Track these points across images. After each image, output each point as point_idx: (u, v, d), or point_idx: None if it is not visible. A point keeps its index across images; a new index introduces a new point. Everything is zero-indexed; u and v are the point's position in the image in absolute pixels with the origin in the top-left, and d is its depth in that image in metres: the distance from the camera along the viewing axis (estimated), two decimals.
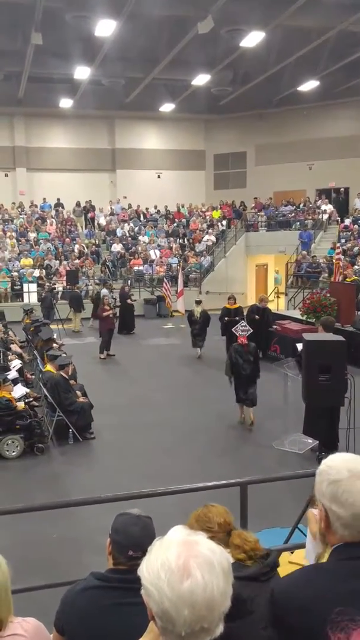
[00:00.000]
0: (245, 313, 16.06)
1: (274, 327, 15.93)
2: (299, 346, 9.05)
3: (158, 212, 32.66)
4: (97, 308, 18.85)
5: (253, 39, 21.60)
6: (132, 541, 2.37)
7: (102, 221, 30.90)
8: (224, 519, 2.76)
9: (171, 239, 29.66)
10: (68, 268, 25.42)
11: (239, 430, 10.46)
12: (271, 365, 12.81)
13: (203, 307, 16.82)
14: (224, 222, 30.62)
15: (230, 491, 5.02)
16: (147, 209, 32.69)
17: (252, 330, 10.83)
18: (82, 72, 25.47)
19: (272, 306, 21.48)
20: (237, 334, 10.59)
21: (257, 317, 15.60)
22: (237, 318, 15.21)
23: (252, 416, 10.68)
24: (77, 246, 28.10)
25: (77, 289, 22.00)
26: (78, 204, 31.25)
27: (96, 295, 21.27)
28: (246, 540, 2.63)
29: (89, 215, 31.18)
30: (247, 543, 2.62)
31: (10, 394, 9.82)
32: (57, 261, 26.53)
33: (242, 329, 10.61)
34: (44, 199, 31.38)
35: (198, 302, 17.11)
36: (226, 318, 15.51)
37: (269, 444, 9.55)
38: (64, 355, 11.63)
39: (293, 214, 29.62)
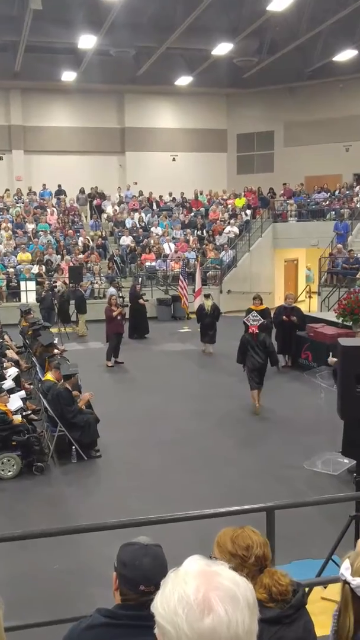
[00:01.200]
0: (272, 315, 16.02)
1: (305, 331, 15.88)
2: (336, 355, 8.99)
3: (173, 200, 32.71)
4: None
5: (282, 2, 21.57)
6: (143, 575, 2.36)
7: (110, 210, 31.00)
8: (264, 552, 2.67)
9: (188, 230, 29.68)
10: (71, 264, 25.53)
11: (264, 449, 10.44)
12: (302, 374, 12.79)
13: (213, 300, 18.71)
14: (248, 212, 30.59)
15: (254, 517, 5.01)
16: (160, 196, 32.76)
17: (263, 321, 12.47)
18: (87, 41, 25.60)
19: (303, 307, 21.35)
20: (248, 324, 12.13)
21: (284, 317, 15.62)
22: (294, 318, 15.29)
23: (257, 397, 12.28)
24: (81, 239, 28.22)
25: (80, 287, 22.08)
26: (82, 191, 31.43)
27: (66, 297, 21.40)
28: (278, 582, 2.58)
29: (95, 203, 31.32)
30: (278, 585, 2.56)
31: (5, 405, 9.89)
32: (59, 256, 26.67)
33: (253, 319, 12.18)
34: (44, 185, 31.59)
35: (207, 296, 18.82)
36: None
37: (299, 464, 9.52)
38: (68, 363, 11.69)
39: (327, 202, 29.50)
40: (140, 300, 21.08)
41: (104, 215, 30.94)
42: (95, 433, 10.32)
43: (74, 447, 9.96)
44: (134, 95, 33.12)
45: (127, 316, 19.15)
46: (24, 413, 10.26)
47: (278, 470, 9.48)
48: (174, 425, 11.71)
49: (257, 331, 12.04)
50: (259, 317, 12.40)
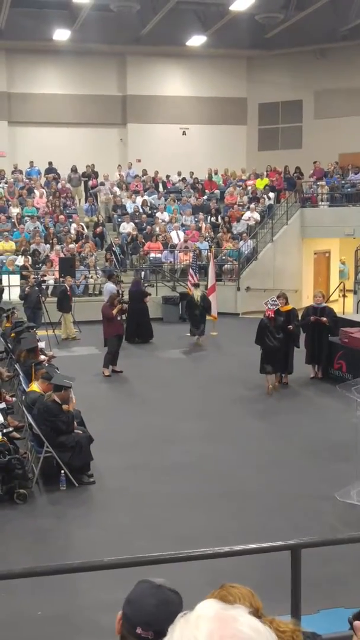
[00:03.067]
0: (300, 317, 15.96)
1: (338, 336, 15.80)
2: None
3: (183, 180, 32.71)
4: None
5: None
6: (143, 616, 2.37)
7: (109, 192, 31.01)
8: (249, 603, 2.70)
9: (200, 216, 29.67)
10: (62, 254, 25.55)
11: (289, 476, 10.38)
12: (334, 388, 12.71)
13: (202, 290, 20.89)
14: (272, 195, 30.55)
15: (277, 557, 4.96)
16: (167, 176, 32.78)
17: (279, 305, 14.52)
18: None
19: (336, 308, 21.24)
20: (267, 307, 14.33)
21: (312, 319, 15.57)
22: (289, 327, 15.17)
23: (276, 381, 14.76)
24: (74, 225, 28.25)
25: (69, 282, 22.00)
26: (74, 170, 31.44)
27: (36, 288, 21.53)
28: (278, 629, 2.58)
29: (90, 184, 31.36)
30: (278, 632, 2.55)
31: None
32: (48, 245, 26.71)
33: (272, 303, 14.35)
34: (31, 162, 31.67)
35: (197, 286, 20.96)
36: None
37: (330, 495, 9.45)
38: (57, 371, 11.67)
39: None
40: (147, 299, 21.14)
41: (101, 198, 30.97)
42: (89, 455, 10.28)
43: (63, 471, 9.91)
44: (137, 57, 33.16)
45: (125, 314, 19.14)
46: (4, 430, 10.22)
47: (305, 501, 9.42)
48: (182, 448, 11.65)
49: (274, 315, 14.26)
50: (277, 301, 14.60)
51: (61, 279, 23.07)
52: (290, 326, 15.21)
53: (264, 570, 6.84)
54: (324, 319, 15.63)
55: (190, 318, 20.82)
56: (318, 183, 30.43)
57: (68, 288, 21.91)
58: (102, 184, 30.82)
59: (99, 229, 28.56)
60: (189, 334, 21.07)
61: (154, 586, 2.45)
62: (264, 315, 14.50)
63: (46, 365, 12.49)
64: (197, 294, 20.45)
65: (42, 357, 13.46)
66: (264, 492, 9.81)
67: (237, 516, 8.97)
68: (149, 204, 30.38)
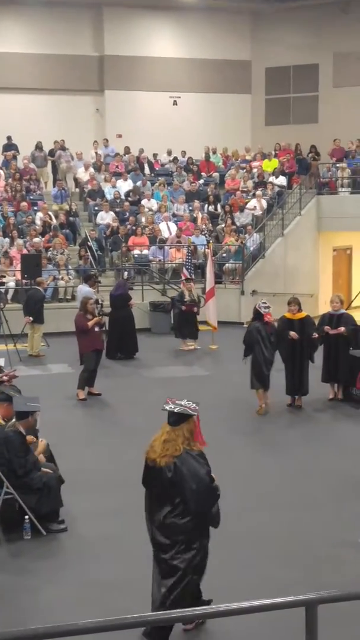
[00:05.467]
0: (316, 326, 16.01)
1: None
2: None
3: (174, 160, 32.80)
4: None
5: None
6: None
7: (82, 174, 31.07)
8: None
9: (195, 204, 29.73)
10: (25, 250, 25.55)
11: (304, 518, 10.41)
12: (356, 410, 12.74)
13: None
14: (282, 179, 30.65)
15: (290, 614, 4.99)
16: (155, 155, 32.87)
17: (272, 308, 15.31)
18: None
19: (358, 316, 21.27)
20: (262, 312, 15.07)
21: (326, 329, 15.63)
22: (342, 329, 15.44)
23: (262, 399, 15.32)
24: (39, 215, 28.24)
25: (38, 284, 21.97)
26: (39, 147, 31.40)
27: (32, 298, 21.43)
28: None
29: (61, 164, 31.36)
30: None
31: None
32: (7, 239, 26.69)
33: (265, 306, 15.19)
34: None
35: (188, 280, 22.21)
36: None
37: (352, 539, 9.51)
38: (18, 395, 11.66)
39: None
40: (132, 302, 21.19)
41: (74, 182, 30.98)
42: (58, 499, 10.27)
43: (27, 517, 9.91)
44: (117, 9, 33.31)
45: (106, 327, 19.15)
46: None
47: (323, 548, 9.45)
48: None
49: (273, 320, 15.18)
50: (268, 303, 15.61)
51: (24, 281, 23.05)
52: (316, 334, 15.43)
53: (274, 629, 6.88)
54: (342, 328, 15.64)
55: (178, 320, 22.25)
56: (338, 165, 30.58)
57: (44, 292, 22.01)
58: (63, 148, 30.80)
59: (67, 218, 28.52)
60: (183, 348, 21.83)
61: None
62: (257, 320, 15.27)
63: (6, 386, 12.46)
64: (191, 292, 21.94)
65: (2, 376, 13.42)
66: (275, 538, 9.82)
67: (242, 566, 8.98)
68: (133, 189, 30.41)
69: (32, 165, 31.08)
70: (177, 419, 7.40)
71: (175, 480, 7.14)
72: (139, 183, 30.78)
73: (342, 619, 7.05)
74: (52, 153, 31.64)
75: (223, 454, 13.33)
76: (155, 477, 7.30)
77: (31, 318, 20.71)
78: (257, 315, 15.25)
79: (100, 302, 19.55)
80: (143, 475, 7.51)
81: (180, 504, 7.13)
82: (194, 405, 7.45)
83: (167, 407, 7.43)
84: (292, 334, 15.27)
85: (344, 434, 14.05)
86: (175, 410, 7.37)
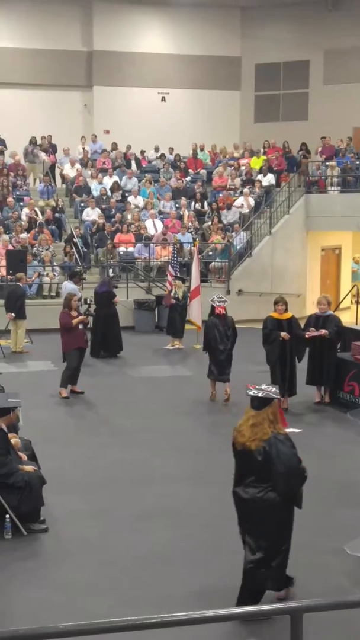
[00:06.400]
0: (303, 327, 15.97)
1: (350, 352, 15.83)
2: None
3: (161, 157, 32.76)
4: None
5: None
6: None
7: (69, 171, 31.01)
8: None
9: (182, 202, 29.72)
10: (10, 246, 25.48)
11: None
12: (345, 415, 12.73)
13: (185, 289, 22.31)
14: (270, 177, 30.65)
15: (274, 623, 4.95)
16: (142, 152, 32.84)
17: (228, 302, 16.39)
18: None
19: (346, 317, 21.32)
20: (214, 305, 15.87)
21: (311, 330, 15.58)
22: (324, 331, 15.37)
23: (229, 390, 15.93)
24: (25, 211, 28.20)
25: (18, 280, 21.84)
26: (33, 142, 31.27)
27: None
28: None
29: (47, 159, 31.28)
30: None
31: None
32: None
33: (219, 300, 15.99)
34: None
35: (181, 279, 22.73)
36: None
37: (339, 548, 9.47)
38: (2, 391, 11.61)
39: None
40: (116, 299, 21.22)
41: (61, 178, 30.94)
42: (39, 498, 10.21)
43: (7, 516, 9.86)
44: (106, 5, 33.28)
45: (90, 325, 19.12)
46: None
47: (308, 555, 9.39)
48: (159, 490, 11.59)
49: (225, 312, 15.92)
50: (223, 297, 16.65)
51: (9, 277, 22.97)
52: (307, 333, 15.52)
53: (259, 638, 6.84)
54: (324, 331, 15.53)
55: (169, 319, 22.33)
56: (327, 163, 30.58)
57: (27, 288, 21.93)
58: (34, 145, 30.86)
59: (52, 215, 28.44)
60: (168, 347, 21.59)
61: None
62: (212, 315, 16.22)
63: None
64: (179, 290, 22.15)
65: None
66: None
67: (226, 573, 8.91)
68: (119, 186, 30.36)
69: (23, 162, 30.96)
70: (260, 403, 7.89)
71: (264, 463, 7.61)
72: (124, 178, 30.68)
73: (327, 627, 7.03)
74: (40, 149, 31.45)
75: (205, 454, 13.32)
76: (245, 460, 7.83)
77: (13, 315, 20.70)
78: (212, 309, 16.13)
79: (89, 302, 19.54)
80: (235, 459, 8.12)
81: (269, 485, 7.63)
82: (274, 388, 8.06)
83: (250, 393, 7.98)
84: (284, 334, 15.21)
85: (330, 439, 13.97)
86: (259, 395, 7.88)
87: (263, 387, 7.95)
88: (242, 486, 7.88)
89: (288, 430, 8.63)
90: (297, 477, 7.77)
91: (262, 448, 7.65)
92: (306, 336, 15.53)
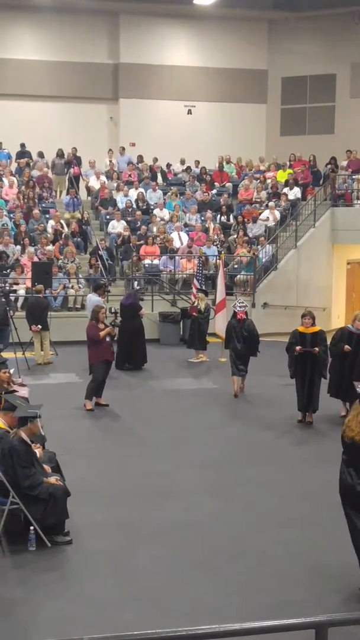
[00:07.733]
0: (330, 342, 15.84)
1: None
2: None
3: (187, 170, 32.81)
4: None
5: None
6: None
7: (94, 183, 31.10)
8: None
9: (207, 214, 29.74)
10: (36, 258, 25.56)
11: (314, 540, 10.32)
12: None
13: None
14: (296, 190, 30.64)
15: (299, 637, 4.93)
16: (168, 164, 32.89)
17: (247, 306, 18.41)
18: None
19: None
20: (235, 310, 17.54)
21: (347, 347, 15.40)
22: (315, 349, 15.13)
23: (244, 384, 17.84)
24: (51, 223, 28.29)
25: (37, 292, 21.81)
26: (60, 154, 31.43)
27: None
28: None
29: (72, 172, 31.40)
30: None
31: None
32: (18, 247, 26.72)
33: (240, 305, 17.66)
34: (0, 143, 31.75)
35: (204, 292, 23.02)
36: (297, 348, 15.39)
37: None
38: (22, 401, 11.63)
39: None
40: (142, 312, 21.32)
41: (86, 190, 31.01)
42: (64, 511, 10.21)
43: (32, 528, 9.87)
44: (133, 17, 33.39)
45: (116, 336, 19.13)
46: None
47: (332, 570, 9.36)
48: (181, 503, 11.58)
49: (244, 317, 17.48)
50: (245, 302, 18.40)
51: (33, 289, 23.04)
52: (317, 348, 15.22)
53: None
54: (316, 349, 15.28)
55: (191, 331, 22.80)
56: (354, 177, 30.53)
57: (51, 299, 22.03)
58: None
59: (77, 227, 28.51)
60: (193, 359, 21.87)
61: None
62: (233, 318, 17.75)
63: (15, 395, 12.42)
64: (202, 303, 22.40)
65: (11, 383, 13.38)
66: (281, 559, 9.73)
67: (249, 587, 8.90)
68: (144, 198, 30.43)
69: (50, 174, 31.16)
70: None
71: None
72: (149, 190, 30.77)
73: None
74: (66, 161, 31.58)
75: (228, 467, 13.29)
76: (355, 453, 8.42)
77: (40, 327, 20.76)
78: (234, 314, 17.70)
79: (115, 311, 19.55)
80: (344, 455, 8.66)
81: None
82: None
83: (358, 390, 9.13)
84: (298, 348, 15.18)
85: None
86: None
87: None
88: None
89: None
90: None
91: None
92: (346, 348, 15.30)
